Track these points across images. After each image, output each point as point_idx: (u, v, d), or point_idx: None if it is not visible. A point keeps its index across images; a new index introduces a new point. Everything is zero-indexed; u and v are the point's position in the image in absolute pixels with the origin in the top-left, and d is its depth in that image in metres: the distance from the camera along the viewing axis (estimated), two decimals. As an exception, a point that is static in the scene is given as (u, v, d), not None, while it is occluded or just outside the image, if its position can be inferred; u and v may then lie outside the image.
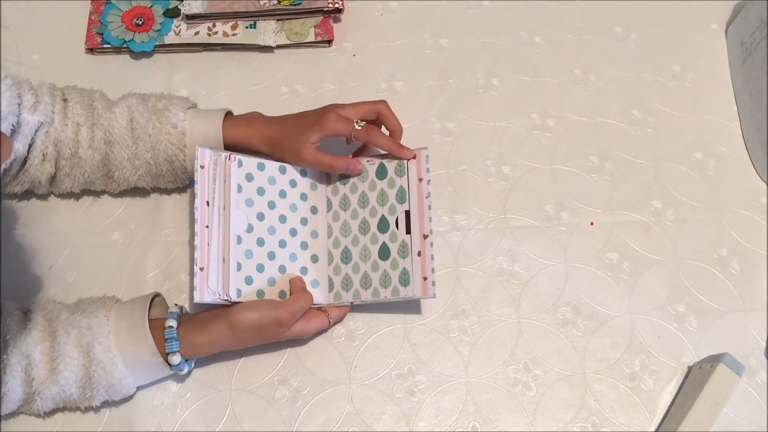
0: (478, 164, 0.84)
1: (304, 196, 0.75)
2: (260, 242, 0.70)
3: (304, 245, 0.74)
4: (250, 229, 0.70)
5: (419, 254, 0.70)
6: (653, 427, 0.71)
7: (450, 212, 0.81)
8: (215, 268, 0.67)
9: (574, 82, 0.90)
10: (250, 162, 0.72)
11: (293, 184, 0.74)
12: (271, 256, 0.71)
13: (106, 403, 0.67)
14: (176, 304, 0.70)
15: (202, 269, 0.66)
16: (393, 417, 0.70)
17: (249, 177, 0.71)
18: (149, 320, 0.66)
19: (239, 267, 0.68)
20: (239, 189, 0.70)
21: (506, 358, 0.73)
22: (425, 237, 0.70)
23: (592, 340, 0.75)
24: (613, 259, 0.79)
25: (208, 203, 0.68)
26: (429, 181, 0.71)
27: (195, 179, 0.69)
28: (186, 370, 0.68)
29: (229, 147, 0.73)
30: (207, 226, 0.68)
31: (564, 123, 0.87)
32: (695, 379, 0.71)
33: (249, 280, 0.69)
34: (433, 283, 0.68)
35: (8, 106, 0.65)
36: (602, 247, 0.79)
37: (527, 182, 0.83)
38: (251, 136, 0.73)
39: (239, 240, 0.69)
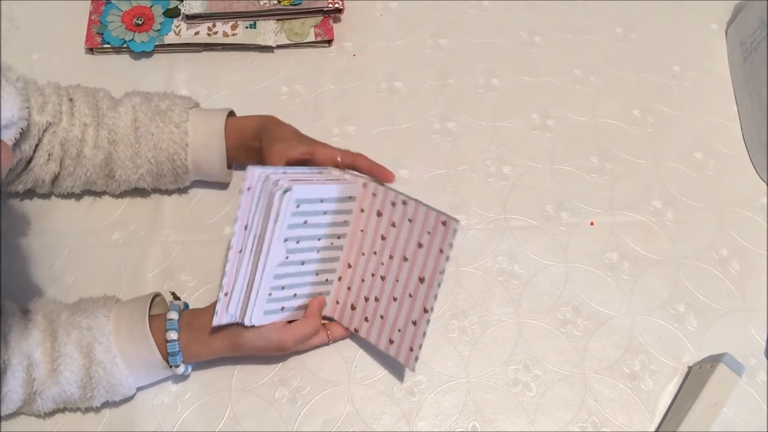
0: (478, 164, 0.84)
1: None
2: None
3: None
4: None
5: (414, 323, 0.67)
6: (653, 427, 0.71)
7: (450, 212, 0.80)
8: (238, 293, 0.64)
9: (574, 82, 0.90)
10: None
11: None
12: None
13: (106, 404, 0.67)
14: (174, 302, 0.69)
15: (226, 295, 0.64)
16: (393, 417, 0.70)
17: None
18: (149, 319, 0.66)
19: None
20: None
21: (506, 358, 0.73)
22: (425, 311, 0.66)
23: (592, 340, 0.75)
24: (613, 259, 0.79)
25: (246, 227, 0.64)
26: (448, 258, 0.65)
27: (239, 202, 0.62)
28: (188, 371, 0.69)
29: (232, 146, 0.73)
30: (240, 251, 0.64)
31: (564, 123, 0.87)
32: (695, 379, 0.71)
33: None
34: (416, 359, 0.66)
35: (19, 111, 0.64)
36: (602, 247, 0.79)
37: (527, 182, 0.83)
38: (254, 122, 0.73)
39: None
